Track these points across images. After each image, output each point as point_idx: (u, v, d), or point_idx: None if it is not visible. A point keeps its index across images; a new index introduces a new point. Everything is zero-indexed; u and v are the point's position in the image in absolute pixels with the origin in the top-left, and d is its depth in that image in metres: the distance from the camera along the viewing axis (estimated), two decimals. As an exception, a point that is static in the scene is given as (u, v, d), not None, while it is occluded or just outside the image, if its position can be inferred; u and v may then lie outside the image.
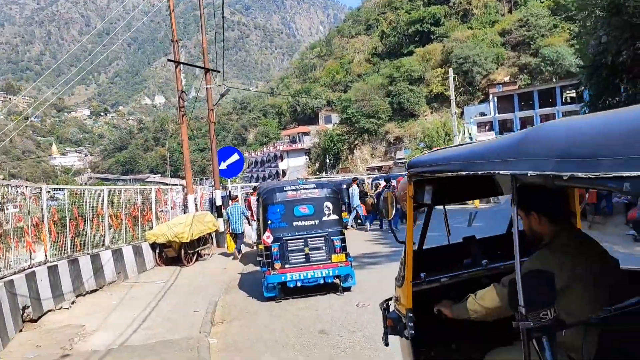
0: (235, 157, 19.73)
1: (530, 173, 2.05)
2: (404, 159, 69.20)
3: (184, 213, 18.07)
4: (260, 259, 15.14)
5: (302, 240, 10.43)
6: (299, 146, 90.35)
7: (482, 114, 73.87)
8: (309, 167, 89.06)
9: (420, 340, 3.26)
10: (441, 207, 4.00)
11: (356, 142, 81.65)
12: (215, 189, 19.39)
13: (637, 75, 18.09)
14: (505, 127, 69.47)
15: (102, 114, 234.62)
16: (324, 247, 10.45)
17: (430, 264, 3.55)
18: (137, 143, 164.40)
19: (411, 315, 3.14)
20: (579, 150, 1.88)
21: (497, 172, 2.28)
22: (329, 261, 10.35)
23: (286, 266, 10.32)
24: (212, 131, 19.15)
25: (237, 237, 16.79)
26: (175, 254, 16.27)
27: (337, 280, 10.51)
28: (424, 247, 3.91)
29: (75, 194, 13.57)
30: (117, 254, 14.42)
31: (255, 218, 14.80)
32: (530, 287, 2.27)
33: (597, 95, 22.67)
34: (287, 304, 10.16)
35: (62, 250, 12.29)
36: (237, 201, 17.40)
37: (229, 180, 20.77)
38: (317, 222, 10.52)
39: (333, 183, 12.79)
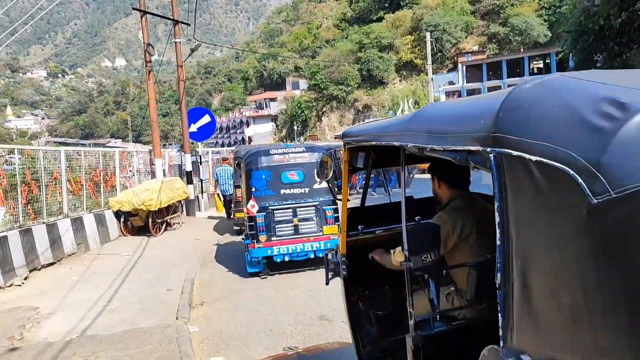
0: (206, 118, 18.19)
1: (409, 145, 2.49)
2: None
3: (151, 179, 16.55)
4: (237, 228, 13.92)
5: (291, 210, 9.20)
6: (265, 112, 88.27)
7: (451, 83, 73.28)
8: (275, 134, 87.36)
9: (353, 281, 3.87)
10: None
11: (324, 109, 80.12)
12: (184, 154, 17.87)
13: (630, 40, 17.23)
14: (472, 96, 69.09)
15: (59, 75, 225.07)
16: (314, 218, 9.26)
17: (370, 219, 4.03)
18: (97, 107, 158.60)
19: (344, 259, 3.77)
20: (438, 128, 2.30)
21: (392, 143, 2.69)
22: (320, 233, 9.18)
23: (272, 239, 9.10)
24: (182, 89, 17.49)
25: (226, 198, 15.70)
26: (142, 223, 14.82)
27: (329, 255, 9.35)
28: (366, 204, 4.27)
29: (28, 155, 11.92)
30: (77, 223, 12.90)
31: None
32: (417, 237, 2.76)
33: (582, 61, 21.85)
34: (274, 282, 8.97)
35: (13, 219, 10.73)
36: (229, 163, 16.02)
37: (200, 144, 19.22)
38: (307, 190, 9.28)
39: (324, 147, 11.47)
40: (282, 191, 9.25)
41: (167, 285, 9.30)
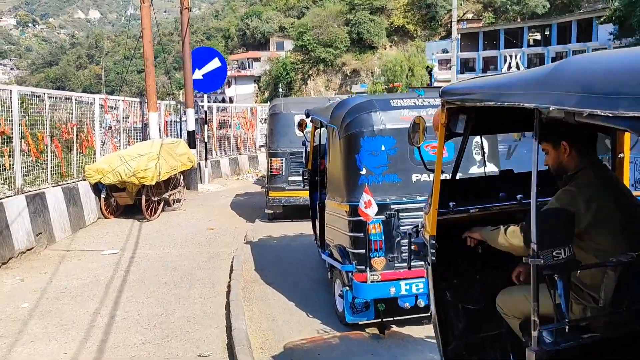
0: (215, 63, 13.58)
1: (552, 108, 1.98)
2: (360, 93, 63.83)
3: (143, 141, 11.93)
4: (270, 212, 9.62)
5: (430, 212, 4.88)
6: (247, 73, 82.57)
7: (445, 51, 69.00)
8: (257, 96, 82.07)
9: (441, 267, 3.05)
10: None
11: (310, 72, 75.16)
12: (186, 108, 13.25)
13: None
14: (467, 66, 65.40)
15: (30, 25, 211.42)
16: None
17: (462, 195, 3.24)
18: (69, 59, 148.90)
19: (434, 242, 3.00)
20: (601, 87, 1.78)
21: (521, 104, 2.16)
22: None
23: (396, 265, 4.81)
24: (186, 21, 12.79)
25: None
26: (130, 202, 10.32)
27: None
28: (458, 177, 3.51)
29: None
30: (37, 202, 8.36)
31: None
32: (546, 226, 2.23)
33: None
34: (395, 342, 4.73)
35: None
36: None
37: (205, 97, 14.52)
38: (460, 176, 4.97)
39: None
40: (415, 177, 4.91)
41: (193, 336, 4.99)
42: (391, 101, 5.10)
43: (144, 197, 9.93)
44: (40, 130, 8.92)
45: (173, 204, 11.22)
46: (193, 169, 12.42)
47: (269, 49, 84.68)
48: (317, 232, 6.23)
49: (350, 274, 4.84)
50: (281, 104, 9.68)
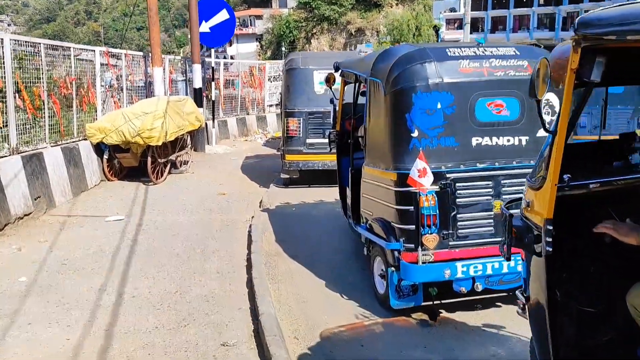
0: (223, 15, 12.61)
1: None
2: (365, 52, 62.04)
3: (147, 99, 11.10)
4: (286, 177, 8.94)
5: (492, 182, 4.16)
6: (249, 31, 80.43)
7: (452, 10, 67.01)
8: (259, 55, 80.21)
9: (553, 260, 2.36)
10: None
11: (314, 30, 73.07)
12: (192, 63, 12.36)
13: None
14: (474, 26, 63.53)
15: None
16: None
17: (573, 164, 2.45)
18: (67, 15, 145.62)
19: (551, 228, 2.25)
20: None
21: None
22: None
23: (452, 243, 4.11)
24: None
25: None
26: (135, 164, 9.59)
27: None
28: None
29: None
30: (34, 163, 7.64)
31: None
32: None
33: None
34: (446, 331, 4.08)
35: None
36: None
37: (213, 52, 13.58)
38: (526, 140, 4.24)
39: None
40: (475, 140, 4.16)
41: (210, 325, 4.34)
42: (447, 50, 4.30)
43: (149, 159, 9.19)
44: (36, 84, 8.11)
45: (180, 166, 10.49)
46: (200, 129, 11.64)
47: (271, 6, 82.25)
48: (349, 201, 5.52)
49: (396, 252, 4.14)
50: (299, 59, 8.84)
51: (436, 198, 4.01)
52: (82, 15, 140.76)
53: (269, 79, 16.36)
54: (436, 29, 60.95)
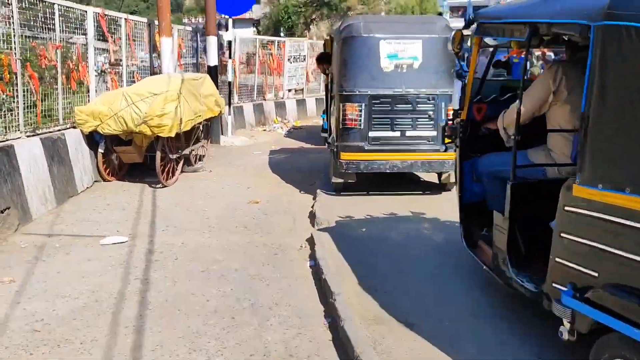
0: (244, -24, 10.30)
1: None
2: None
3: (153, 76, 8.76)
4: (339, 183, 6.78)
5: None
6: (247, 15, 77.64)
7: (457, -3, 64.81)
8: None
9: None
10: None
11: (314, 16, 70.53)
12: (206, 35, 10.05)
13: None
14: (479, 14, 61.62)
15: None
16: None
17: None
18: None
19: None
20: None
21: None
22: None
23: None
24: None
25: None
26: (138, 159, 7.34)
27: None
28: None
29: None
30: (1, 161, 5.37)
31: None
32: None
33: None
34: None
35: None
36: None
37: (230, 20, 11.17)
38: None
39: None
40: None
41: None
42: None
43: (158, 154, 6.93)
44: (5, 50, 5.80)
45: (195, 162, 8.24)
46: (218, 117, 9.34)
47: (269, -9, 79.60)
48: (499, 238, 3.33)
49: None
50: (359, 24, 6.57)
51: None
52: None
53: (288, 60, 14.07)
54: (440, 15, 58.78)
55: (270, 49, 13.65)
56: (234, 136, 11.00)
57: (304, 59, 14.80)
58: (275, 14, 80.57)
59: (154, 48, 9.00)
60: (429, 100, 6.44)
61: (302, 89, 15.08)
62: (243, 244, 5.22)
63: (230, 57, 10.86)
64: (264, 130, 12.71)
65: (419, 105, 6.44)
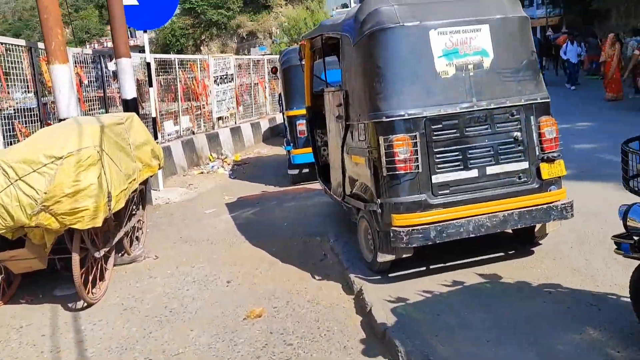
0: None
1: None
2: (260, 56, 57.79)
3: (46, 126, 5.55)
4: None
5: None
6: (131, 43, 72.40)
7: (345, 6, 64.79)
8: (145, 69, 72.56)
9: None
10: None
11: (203, 37, 67.51)
12: (116, 58, 6.95)
13: None
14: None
15: None
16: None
17: None
18: None
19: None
20: None
21: None
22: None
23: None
24: None
25: None
26: (40, 265, 4.25)
27: None
28: None
29: None
30: None
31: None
32: None
33: None
34: None
35: None
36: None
37: (145, 35, 8.00)
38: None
39: None
40: None
41: None
42: None
43: (76, 257, 3.94)
44: None
45: (131, 247, 5.24)
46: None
47: (151, 16, 74.63)
48: None
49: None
50: (392, 11, 4.01)
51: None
52: None
53: (215, 81, 11.12)
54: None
55: (193, 71, 10.69)
56: (166, 189, 7.99)
57: (232, 79, 11.94)
58: (162, 38, 76.17)
59: (41, 82, 5.84)
60: (512, 116, 4.06)
61: (234, 114, 12.22)
62: None
63: (150, 85, 7.86)
64: (201, 172, 9.70)
65: (498, 126, 4.04)
